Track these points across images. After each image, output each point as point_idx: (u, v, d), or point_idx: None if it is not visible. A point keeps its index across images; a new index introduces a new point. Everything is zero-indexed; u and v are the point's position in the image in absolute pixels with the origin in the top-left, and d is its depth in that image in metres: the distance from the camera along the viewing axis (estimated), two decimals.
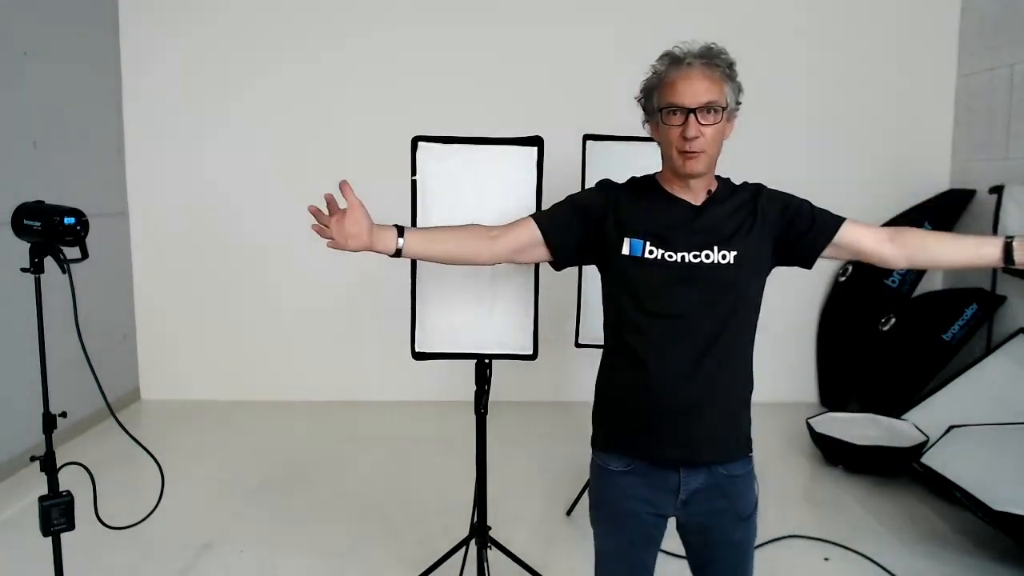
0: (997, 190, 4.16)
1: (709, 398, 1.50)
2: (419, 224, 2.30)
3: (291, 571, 2.79)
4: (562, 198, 1.68)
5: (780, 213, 1.55)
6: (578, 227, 1.60)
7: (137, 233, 4.83)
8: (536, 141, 2.27)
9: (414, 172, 2.29)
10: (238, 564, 2.83)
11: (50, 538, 2.05)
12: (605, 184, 1.65)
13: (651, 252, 1.50)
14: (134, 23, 4.67)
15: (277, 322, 4.87)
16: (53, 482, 2.03)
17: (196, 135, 4.76)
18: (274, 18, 4.69)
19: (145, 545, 2.88)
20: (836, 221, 1.58)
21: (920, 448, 3.38)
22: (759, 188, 1.60)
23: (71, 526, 2.05)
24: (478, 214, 2.29)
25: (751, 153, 4.74)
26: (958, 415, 3.42)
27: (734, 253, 1.49)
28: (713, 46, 1.48)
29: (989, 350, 3.94)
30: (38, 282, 1.96)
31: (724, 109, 1.47)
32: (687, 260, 1.48)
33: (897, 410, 3.88)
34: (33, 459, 2.03)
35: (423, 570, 2.52)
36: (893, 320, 4.50)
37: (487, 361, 2.32)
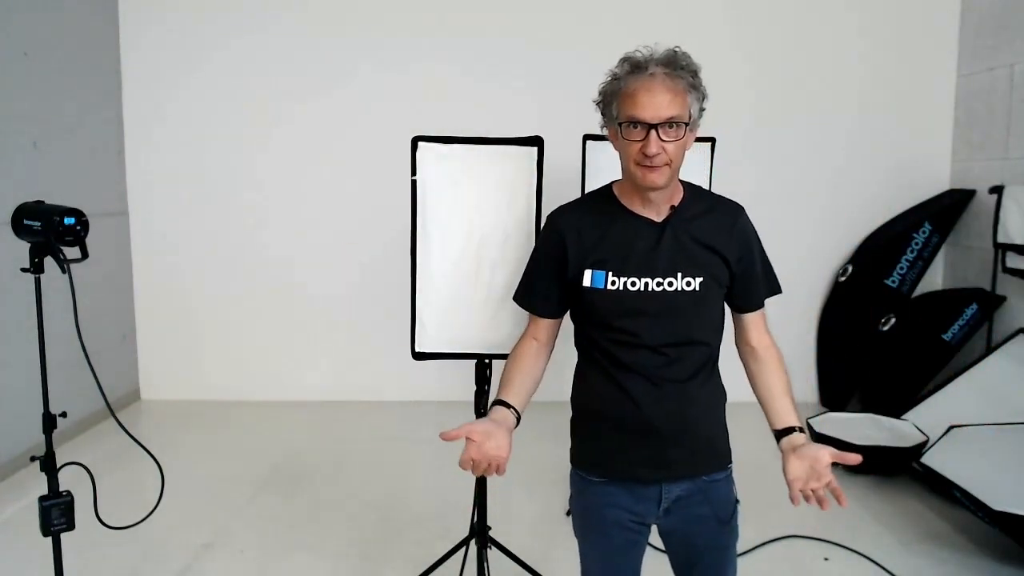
0: (997, 190, 4.16)
1: (680, 421, 1.48)
2: (419, 225, 2.30)
3: (291, 571, 2.79)
4: (533, 250, 1.64)
5: (740, 254, 1.50)
6: (555, 279, 1.54)
7: (137, 233, 4.83)
8: (536, 141, 2.27)
9: (414, 172, 2.29)
10: (238, 564, 2.83)
11: (50, 538, 2.05)
12: (553, 218, 1.56)
13: (612, 283, 1.45)
14: (134, 23, 4.68)
15: (277, 322, 4.87)
16: (53, 482, 2.03)
17: (196, 135, 4.76)
18: (275, 18, 4.69)
19: (145, 545, 2.88)
20: (758, 302, 1.58)
21: (920, 448, 3.38)
22: (739, 213, 1.53)
23: (71, 526, 2.05)
24: (478, 214, 2.30)
25: (752, 153, 4.75)
26: (958, 415, 3.42)
27: (699, 280, 1.45)
28: (677, 50, 1.39)
29: (989, 350, 3.94)
30: (38, 282, 1.96)
31: (687, 122, 1.38)
32: (650, 289, 1.44)
33: (897, 410, 3.88)
34: (33, 459, 2.03)
35: (423, 570, 2.52)
36: (893, 320, 4.50)
37: (487, 361, 2.32)
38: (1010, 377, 3.65)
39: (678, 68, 1.37)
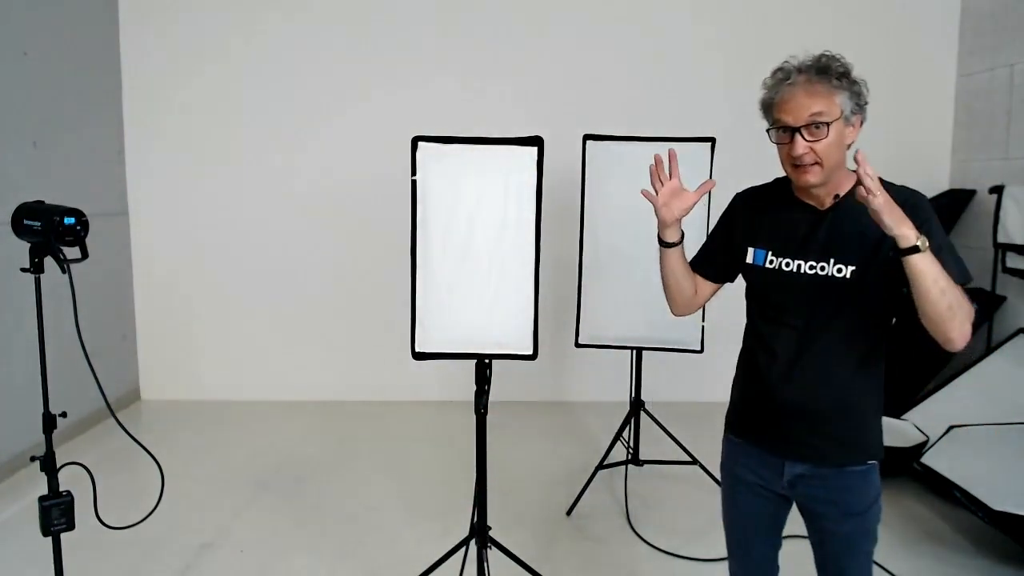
0: (997, 190, 4.16)
1: (812, 403, 1.54)
2: (419, 225, 2.30)
3: (291, 571, 2.79)
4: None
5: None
6: (724, 251, 1.69)
7: (137, 233, 4.83)
8: (536, 141, 2.27)
9: (414, 172, 2.29)
10: (238, 564, 2.83)
11: (50, 538, 2.05)
12: (739, 196, 1.72)
13: (771, 262, 1.58)
14: (134, 23, 4.68)
15: (277, 322, 4.87)
16: (53, 482, 2.03)
17: (196, 135, 4.76)
18: (275, 18, 4.69)
19: (145, 545, 2.88)
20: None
21: (920, 448, 3.38)
22: (904, 201, 1.41)
23: (71, 526, 2.05)
24: (478, 214, 2.30)
25: (752, 153, 4.75)
26: (958, 415, 3.42)
27: (852, 268, 1.49)
28: (824, 57, 1.47)
29: (989, 350, 3.94)
30: (38, 282, 1.96)
31: (832, 122, 1.44)
32: (803, 271, 1.53)
33: (897, 410, 3.88)
34: (33, 459, 2.03)
35: (423, 570, 2.52)
36: (893, 320, 4.49)
37: (487, 361, 2.32)
38: (1010, 377, 3.65)
39: (819, 72, 1.45)
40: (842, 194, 1.52)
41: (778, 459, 1.61)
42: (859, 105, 1.48)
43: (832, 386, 1.54)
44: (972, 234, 4.55)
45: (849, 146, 1.49)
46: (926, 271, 1.32)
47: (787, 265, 1.55)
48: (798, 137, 1.45)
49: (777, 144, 1.51)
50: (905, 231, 1.31)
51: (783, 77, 1.48)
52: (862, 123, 1.50)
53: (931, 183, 4.75)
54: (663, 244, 1.65)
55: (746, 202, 1.69)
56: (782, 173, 1.57)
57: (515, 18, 4.69)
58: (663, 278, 1.70)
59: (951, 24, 4.73)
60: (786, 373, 1.56)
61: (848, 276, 1.49)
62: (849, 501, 1.57)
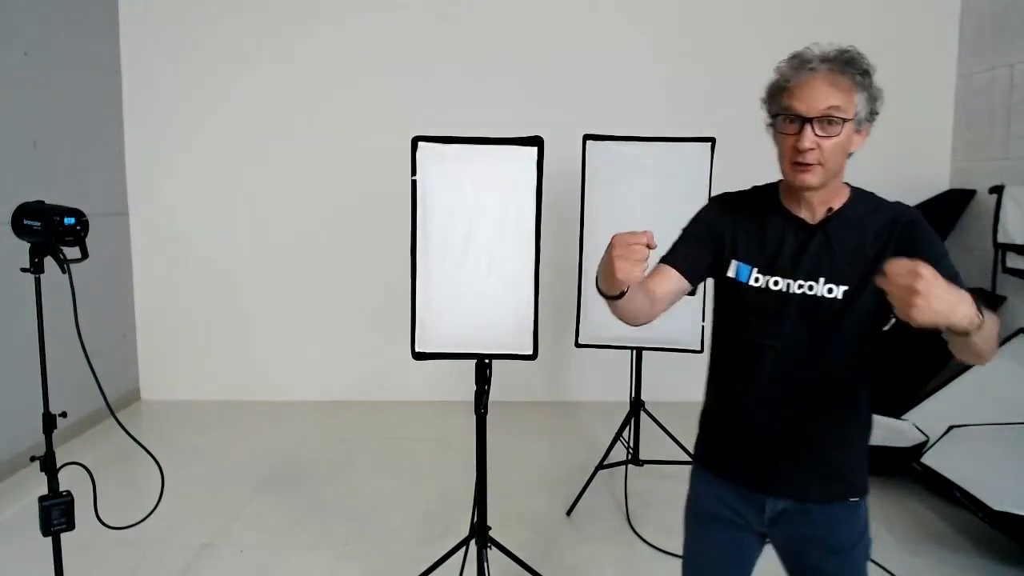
0: (997, 190, 4.16)
1: (795, 433, 1.43)
2: (419, 225, 2.31)
3: (291, 571, 2.79)
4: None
5: (907, 253, 1.27)
6: (703, 249, 1.50)
7: (137, 233, 4.83)
8: (536, 141, 2.27)
9: (414, 172, 2.29)
10: (238, 564, 2.83)
11: (50, 538, 2.05)
12: (718, 198, 1.56)
13: (756, 280, 1.43)
14: (134, 23, 4.68)
15: (277, 322, 4.87)
16: (53, 482, 2.03)
17: (196, 135, 4.76)
18: (274, 19, 4.69)
19: (145, 545, 2.88)
20: None
21: (920, 448, 3.37)
22: (900, 216, 1.37)
23: (71, 526, 2.05)
24: (478, 214, 2.30)
25: (752, 153, 4.75)
26: (958, 415, 3.42)
27: (844, 288, 1.36)
28: (849, 50, 1.33)
29: None
30: (38, 282, 1.96)
31: (846, 121, 1.31)
32: (791, 290, 1.40)
33: (897, 410, 3.88)
34: (33, 459, 2.03)
35: (423, 570, 2.52)
36: (893, 320, 4.48)
37: (487, 361, 2.32)
38: (1010, 377, 3.65)
39: (844, 64, 1.31)
40: (836, 208, 1.40)
41: (760, 495, 1.48)
42: (872, 112, 1.36)
43: (819, 415, 1.42)
44: (972, 234, 4.54)
45: (849, 155, 1.37)
46: (978, 337, 1.12)
47: (775, 284, 1.41)
48: (807, 129, 1.31)
49: (781, 135, 1.36)
50: (960, 316, 1.07)
51: (805, 62, 1.33)
52: (867, 134, 1.38)
53: (931, 183, 4.75)
54: (609, 297, 1.38)
55: (727, 208, 1.51)
56: (780, 174, 1.49)
57: (515, 18, 4.69)
58: (616, 314, 1.44)
59: (951, 24, 4.72)
60: (768, 400, 1.43)
61: (839, 297, 1.37)
62: (836, 537, 1.46)
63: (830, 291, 1.37)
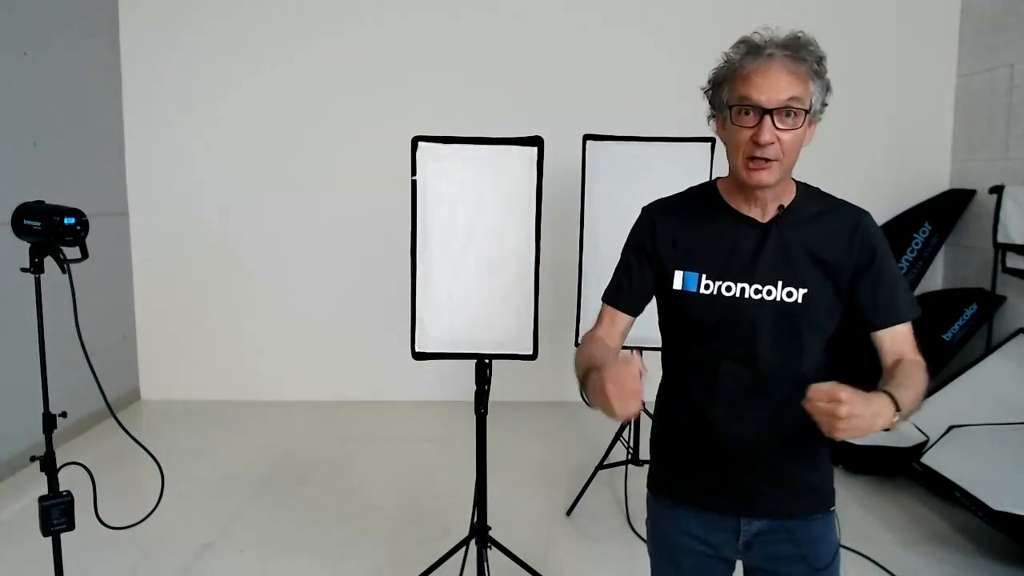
0: (997, 190, 4.16)
1: (768, 446, 1.34)
2: (419, 224, 2.30)
3: (291, 571, 2.79)
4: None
5: (859, 264, 1.31)
6: (644, 275, 1.40)
7: (137, 233, 4.83)
8: (536, 141, 2.27)
9: (414, 172, 2.29)
10: (238, 564, 2.83)
11: (50, 538, 2.05)
12: (647, 211, 1.44)
13: (707, 287, 1.32)
14: (134, 23, 4.68)
15: (277, 322, 4.87)
16: (53, 482, 2.03)
17: (196, 135, 4.76)
18: (274, 19, 4.69)
19: (145, 545, 2.88)
20: (895, 316, 1.33)
21: (920, 448, 3.37)
22: (857, 224, 1.32)
23: (71, 526, 2.05)
24: (478, 214, 2.30)
25: None
26: (958, 415, 3.42)
27: (803, 292, 1.29)
28: (801, 35, 1.26)
29: (989, 350, 3.94)
30: (38, 282, 1.96)
31: (807, 112, 1.23)
32: (747, 295, 1.30)
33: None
34: (33, 459, 2.04)
35: (423, 570, 2.52)
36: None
37: (487, 361, 2.32)
38: (1010, 377, 3.65)
39: (801, 51, 1.24)
40: (786, 204, 1.31)
41: (732, 518, 1.37)
42: (823, 104, 1.27)
43: (790, 425, 1.28)
44: (972, 234, 4.54)
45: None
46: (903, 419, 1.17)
47: (728, 290, 1.30)
48: (767, 121, 1.20)
49: (737, 127, 1.23)
50: (881, 424, 1.12)
51: (759, 48, 1.24)
52: (816, 129, 1.30)
53: (931, 183, 4.75)
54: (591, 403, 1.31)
55: (663, 215, 1.40)
56: None
57: (516, 18, 4.69)
58: None
59: (951, 24, 4.72)
60: (735, 415, 1.32)
61: (800, 300, 1.29)
62: (818, 554, 1.37)
63: (789, 295, 1.29)
